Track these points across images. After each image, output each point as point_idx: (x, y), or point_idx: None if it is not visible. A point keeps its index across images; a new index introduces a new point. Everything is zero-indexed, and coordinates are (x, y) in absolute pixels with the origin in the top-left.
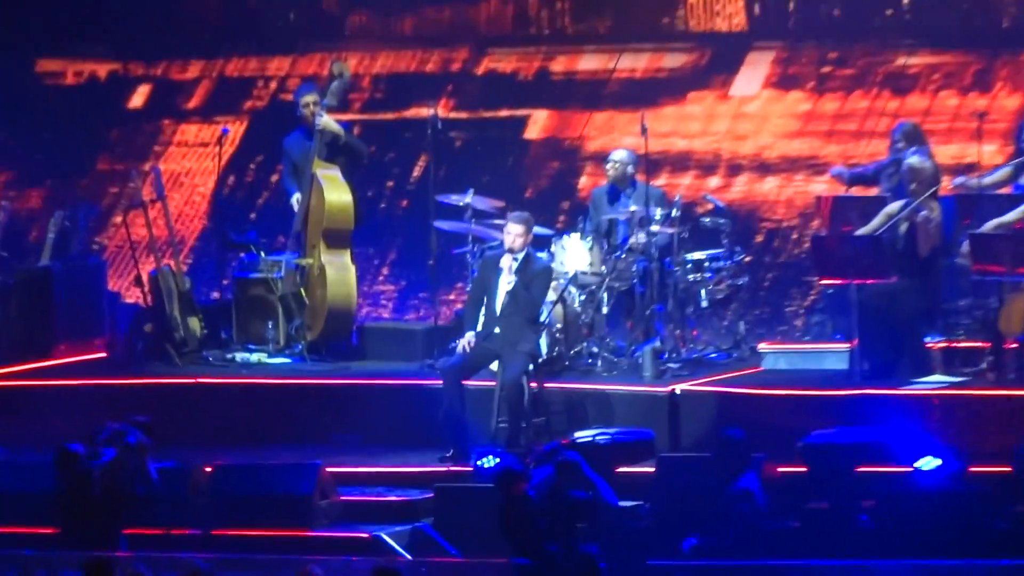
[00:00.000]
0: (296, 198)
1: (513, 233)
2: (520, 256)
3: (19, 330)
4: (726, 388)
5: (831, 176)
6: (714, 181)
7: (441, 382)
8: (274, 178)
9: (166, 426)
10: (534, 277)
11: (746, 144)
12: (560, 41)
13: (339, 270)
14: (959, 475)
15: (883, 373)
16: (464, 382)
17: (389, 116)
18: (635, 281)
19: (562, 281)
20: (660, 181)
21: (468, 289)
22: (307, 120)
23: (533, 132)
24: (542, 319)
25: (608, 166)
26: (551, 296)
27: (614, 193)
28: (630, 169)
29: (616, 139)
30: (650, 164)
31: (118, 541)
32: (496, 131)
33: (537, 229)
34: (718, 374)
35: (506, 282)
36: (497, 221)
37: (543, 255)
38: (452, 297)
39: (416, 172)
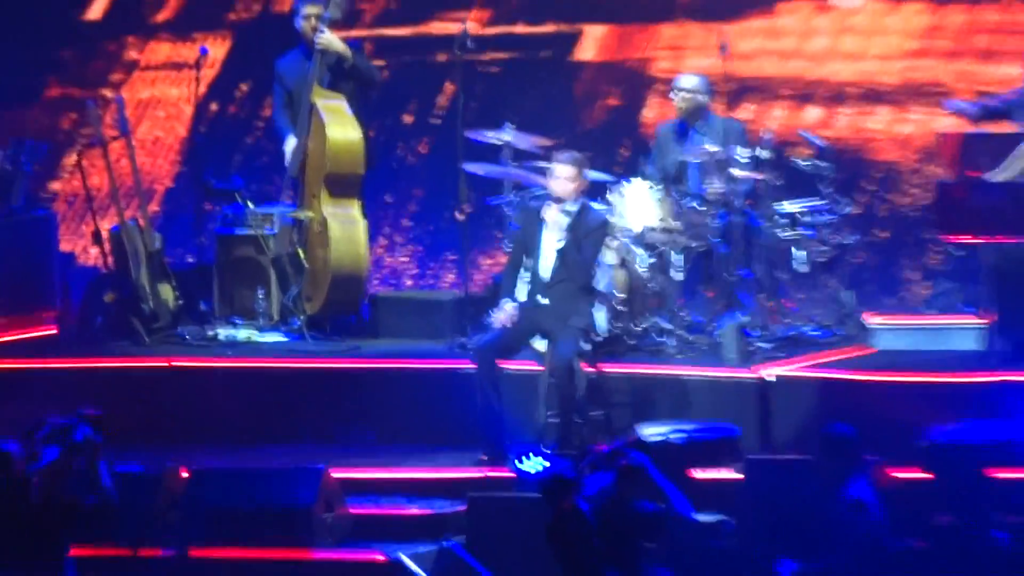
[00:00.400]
0: (292, 141)
1: (561, 177)
2: (570, 207)
3: None
4: (829, 373)
5: (948, 111)
6: (812, 113)
7: (474, 365)
8: (266, 112)
9: (131, 420)
10: (588, 233)
11: (851, 67)
12: None
13: (345, 225)
14: None
15: None
16: (502, 365)
17: (408, 32)
18: (715, 240)
19: (624, 239)
20: (744, 114)
21: (506, 248)
22: (306, 37)
23: (587, 52)
24: (599, 286)
25: (675, 96)
26: (610, 258)
27: (683, 130)
28: (702, 99)
29: (689, 60)
30: (731, 92)
31: (63, 562)
32: (541, 51)
33: (592, 173)
34: (819, 355)
35: (553, 239)
36: (542, 163)
37: (600, 206)
38: (487, 260)
39: (441, 102)
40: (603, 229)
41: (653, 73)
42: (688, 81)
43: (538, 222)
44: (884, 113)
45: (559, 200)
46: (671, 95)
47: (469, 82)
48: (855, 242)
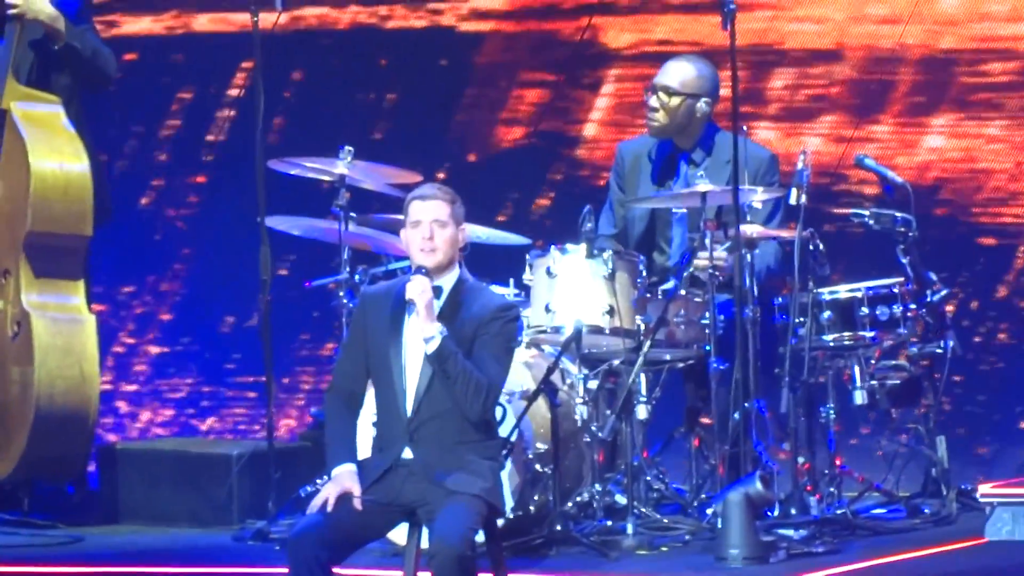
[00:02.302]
0: None
1: (424, 221)
2: (446, 282)
3: None
4: None
5: None
6: (880, 127)
7: (288, 572)
8: None
9: None
10: (481, 324)
11: (949, 35)
12: None
13: (60, 326)
14: None
15: None
16: (337, 571)
17: None
18: (706, 348)
19: (549, 350)
20: (764, 129)
21: (334, 365)
22: None
23: (483, 22)
24: (503, 428)
25: (653, 100)
26: (522, 381)
27: (664, 154)
28: (702, 106)
29: (668, 30)
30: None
31: None
32: (408, 7)
33: (489, 233)
34: (890, 554)
35: (419, 341)
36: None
37: (505, 292)
38: (308, 383)
39: (227, 106)
40: (506, 318)
41: (610, 45)
42: (680, 72)
43: (391, 318)
44: (1001, 127)
45: (424, 271)
46: (647, 98)
47: (278, 69)
48: (953, 352)
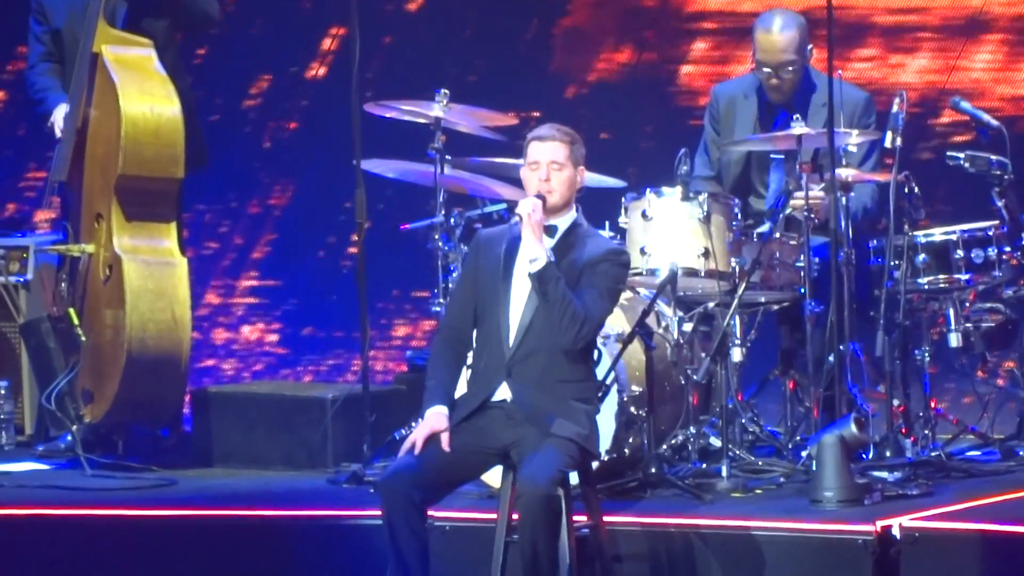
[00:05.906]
0: (60, 113)
1: (543, 161)
2: (562, 223)
3: None
4: (1005, 526)
5: None
6: (980, 61)
7: (381, 512)
8: (15, 67)
9: None
10: (592, 265)
11: None
12: None
13: (152, 270)
14: None
15: None
16: (431, 513)
17: None
18: (801, 290)
19: (644, 293)
20: (859, 71)
21: (435, 306)
22: None
23: None
24: (598, 371)
25: (774, 81)
26: (617, 323)
27: (763, 98)
28: (808, 54)
29: None
30: (845, 33)
31: None
32: None
33: (590, 176)
34: (984, 496)
35: (527, 279)
36: (502, 160)
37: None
38: (401, 328)
39: (325, 50)
40: (616, 261)
41: (695, 6)
42: (790, 40)
43: (504, 254)
44: None
45: (539, 196)
46: (767, 78)
47: (374, 12)
48: None
